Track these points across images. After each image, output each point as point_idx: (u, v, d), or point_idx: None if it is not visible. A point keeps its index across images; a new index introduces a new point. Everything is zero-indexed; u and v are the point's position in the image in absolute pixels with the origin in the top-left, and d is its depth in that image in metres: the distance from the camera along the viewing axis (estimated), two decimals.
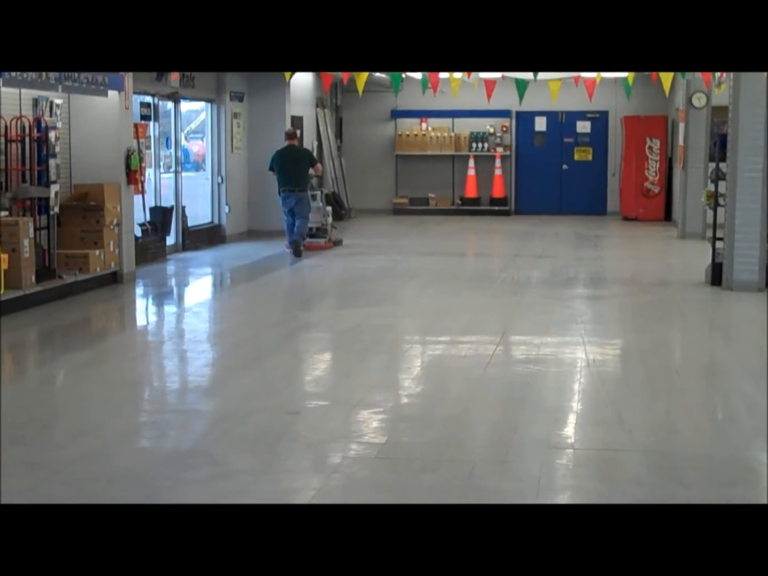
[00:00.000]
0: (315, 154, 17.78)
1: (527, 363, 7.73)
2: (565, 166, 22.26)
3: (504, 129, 22.26)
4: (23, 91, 10.62)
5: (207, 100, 16.55)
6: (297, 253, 14.68)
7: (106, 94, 11.46)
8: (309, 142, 19.21)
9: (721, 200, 11.67)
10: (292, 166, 14.75)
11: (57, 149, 10.81)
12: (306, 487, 4.97)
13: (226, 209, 16.75)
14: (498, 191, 22.15)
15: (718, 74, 15.78)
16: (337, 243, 16.05)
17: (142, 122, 13.65)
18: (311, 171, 15.15)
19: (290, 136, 15.29)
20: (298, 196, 14.77)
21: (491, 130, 22.25)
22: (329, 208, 16.11)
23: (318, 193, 15.77)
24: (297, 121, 18.46)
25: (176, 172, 15.28)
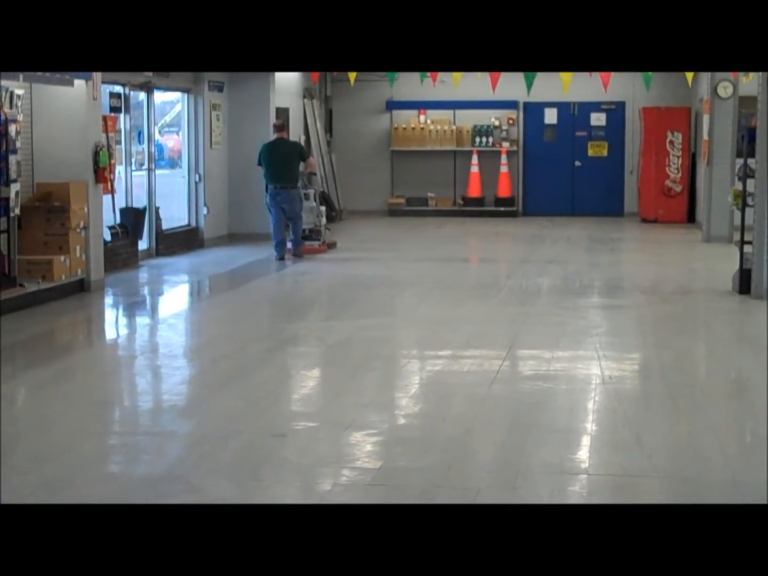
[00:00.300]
0: None
1: (536, 380, 7.75)
2: (577, 163, 22.30)
3: (510, 122, 22.31)
4: None
5: (183, 90, 16.58)
6: (298, 254, 15.03)
7: (71, 84, 11.48)
8: (296, 137, 19.23)
9: (749, 200, 11.70)
10: (282, 160, 14.89)
11: (18, 144, 10.82)
12: None
13: (205, 211, 16.77)
14: (504, 190, 22.18)
15: None
16: (332, 246, 16.18)
17: (112, 115, 13.66)
18: (302, 166, 15.30)
19: (279, 128, 15.44)
20: (289, 194, 14.92)
21: (496, 123, 22.29)
22: (323, 208, 16.24)
23: (311, 191, 15.89)
24: (282, 113, 18.49)
25: (149, 170, 15.30)
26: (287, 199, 14.90)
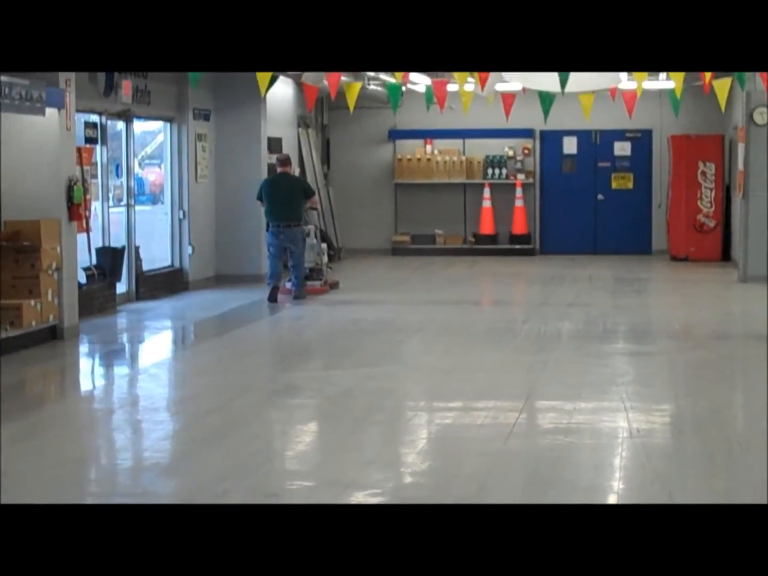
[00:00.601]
0: None
1: (557, 433, 7.74)
2: (600, 196, 22.37)
3: (526, 152, 22.41)
4: None
5: (165, 119, 16.67)
6: (300, 296, 15.20)
7: (43, 113, 11.54)
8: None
9: None
10: (285, 197, 15.13)
11: None
12: None
13: (189, 250, 16.81)
14: (519, 227, 22.25)
15: None
16: (334, 286, 16.42)
17: (88, 146, 13.74)
18: (306, 203, 15.58)
19: (283, 162, 15.78)
20: (292, 233, 15.15)
21: (510, 154, 22.39)
22: (325, 246, 16.44)
23: (311, 228, 16.10)
24: (275, 144, 18.59)
25: (128, 206, 15.36)
26: (291, 238, 15.14)
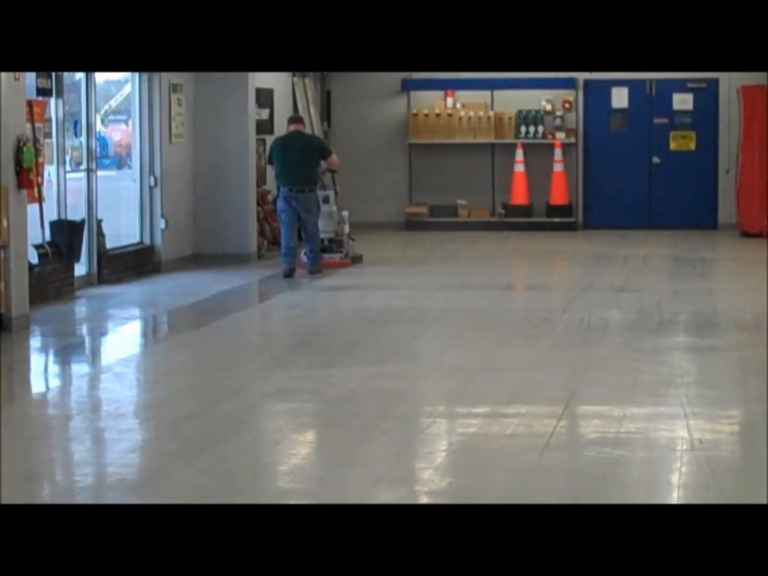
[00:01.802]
0: None
1: (603, 445, 7.74)
2: (656, 159, 22.34)
3: (567, 106, 22.37)
4: None
5: None
6: (316, 270, 15.82)
7: None
8: (282, 128, 19.29)
9: None
10: (299, 158, 15.73)
11: None
12: None
13: (162, 224, 16.80)
14: (558, 196, 22.22)
15: None
16: (357, 259, 16.97)
17: (40, 99, 13.72)
18: (323, 165, 16.20)
19: (295, 120, 16.62)
20: (307, 198, 15.77)
21: (548, 108, 22.36)
22: (346, 213, 16.85)
23: (330, 193, 16.64)
24: (265, 96, 18.59)
25: (89, 171, 15.36)
26: (305, 204, 15.71)
